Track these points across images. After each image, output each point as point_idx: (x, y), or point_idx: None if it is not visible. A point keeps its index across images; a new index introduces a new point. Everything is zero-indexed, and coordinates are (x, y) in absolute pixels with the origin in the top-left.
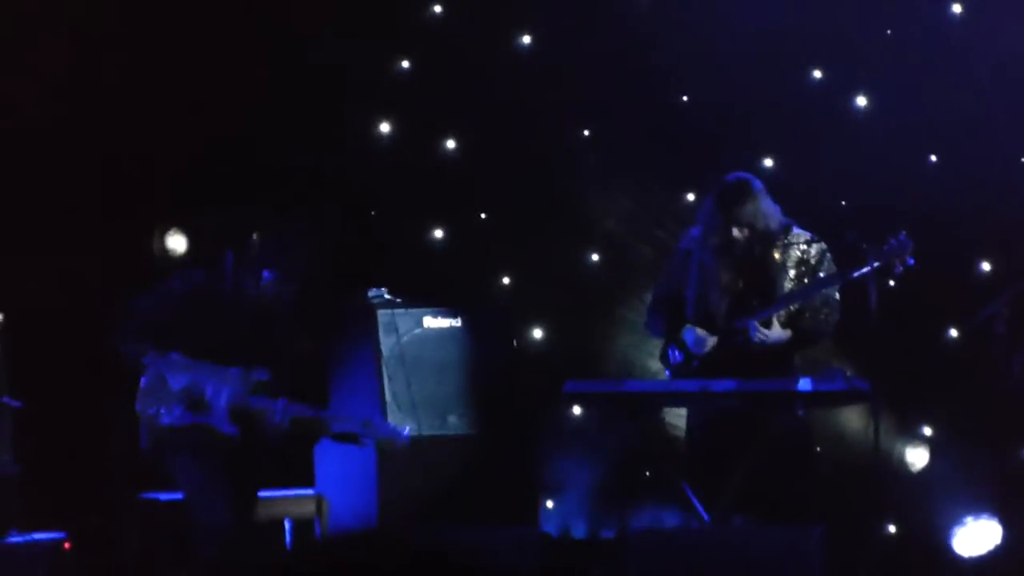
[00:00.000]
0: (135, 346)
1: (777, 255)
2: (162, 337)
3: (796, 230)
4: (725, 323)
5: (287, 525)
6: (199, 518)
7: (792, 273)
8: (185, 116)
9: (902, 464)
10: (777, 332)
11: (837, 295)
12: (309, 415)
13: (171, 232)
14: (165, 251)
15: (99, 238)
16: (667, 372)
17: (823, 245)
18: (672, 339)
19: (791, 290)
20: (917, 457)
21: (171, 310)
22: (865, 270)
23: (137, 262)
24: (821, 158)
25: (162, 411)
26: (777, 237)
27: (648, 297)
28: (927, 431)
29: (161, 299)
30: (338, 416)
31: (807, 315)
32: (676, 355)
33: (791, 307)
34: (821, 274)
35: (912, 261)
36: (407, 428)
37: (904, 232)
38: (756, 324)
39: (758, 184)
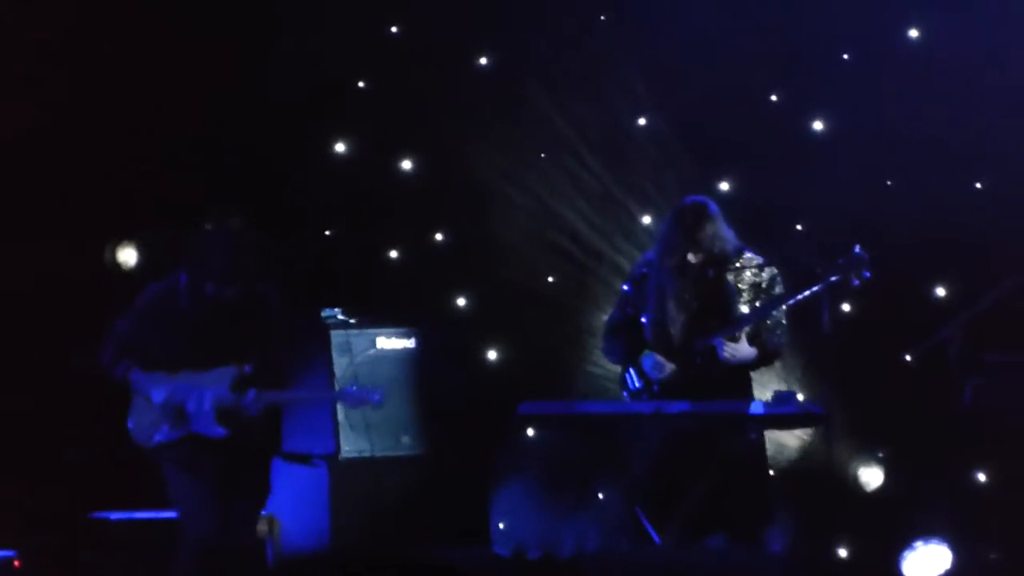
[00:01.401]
0: (120, 367)
1: (731, 278)
2: (142, 354)
3: (748, 254)
4: (682, 345)
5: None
6: (188, 534)
7: (745, 296)
8: (139, 131)
9: (856, 484)
10: (745, 349)
11: (784, 320)
12: (281, 399)
13: (122, 245)
14: (116, 264)
15: (48, 255)
16: (624, 395)
17: (774, 270)
18: (631, 364)
19: (752, 308)
20: (872, 477)
21: (140, 326)
22: (821, 286)
23: (91, 277)
24: (777, 182)
25: (151, 430)
26: (731, 260)
27: (604, 320)
28: (881, 453)
29: (131, 318)
30: (307, 395)
31: (764, 335)
32: (634, 381)
33: (747, 328)
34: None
35: (868, 274)
36: (377, 392)
37: (859, 245)
38: (724, 341)
39: (714, 208)
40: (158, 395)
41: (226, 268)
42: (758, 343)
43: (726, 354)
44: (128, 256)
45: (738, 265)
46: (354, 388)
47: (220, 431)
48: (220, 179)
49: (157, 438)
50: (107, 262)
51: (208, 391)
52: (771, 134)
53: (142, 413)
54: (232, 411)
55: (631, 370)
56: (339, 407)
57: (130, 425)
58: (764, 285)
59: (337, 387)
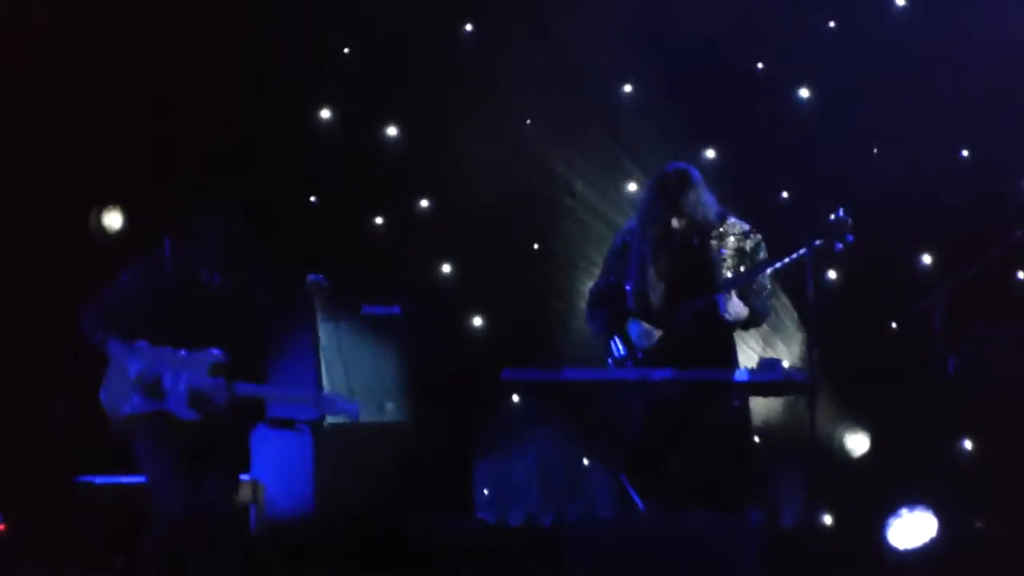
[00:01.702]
0: (98, 335)
1: (715, 244)
2: (124, 326)
3: (731, 219)
4: (666, 312)
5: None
6: (157, 508)
7: (729, 262)
8: (129, 100)
9: (841, 451)
10: (741, 307)
11: (768, 284)
12: (256, 393)
13: (107, 209)
14: (102, 228)
15: (37, 219)
16: (609, 362)
17: (758, 236)
18: (615, 332)
19: (747, 268)
20: (857, 443)
21: (125, 298)
22: (805, 250)
23: (79, 244)
24: (762, 150)
25: (121, 400)
26: (714, 227)
27: (587, 288)
28: (866, 421)
29: (115, 290)
30: (285, 393)
31: (750, 299)
32: (619, 348)
33: (734, 290)
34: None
35: (851, 238)
36: (355, 405)
37: (842, 208)
38: (725, 298)
39: (697, 174)
40: (134, 366)
41: (222, 256)
42: (747, 303)
43: (729, 310)
44: (113, 220)
45: (721, 231)
46: (332, 396)
47: (191, 414)
48: (206, 146)
49: (127, 409)
50: (92, 226)
51: (185, 372)
52: (757, 102)
53: (115, 383)
54: (204, 397)
55: (616, 338)
56: (324, 374)
57: (102, 395)
58: (748, 250)
59: (323, 355)
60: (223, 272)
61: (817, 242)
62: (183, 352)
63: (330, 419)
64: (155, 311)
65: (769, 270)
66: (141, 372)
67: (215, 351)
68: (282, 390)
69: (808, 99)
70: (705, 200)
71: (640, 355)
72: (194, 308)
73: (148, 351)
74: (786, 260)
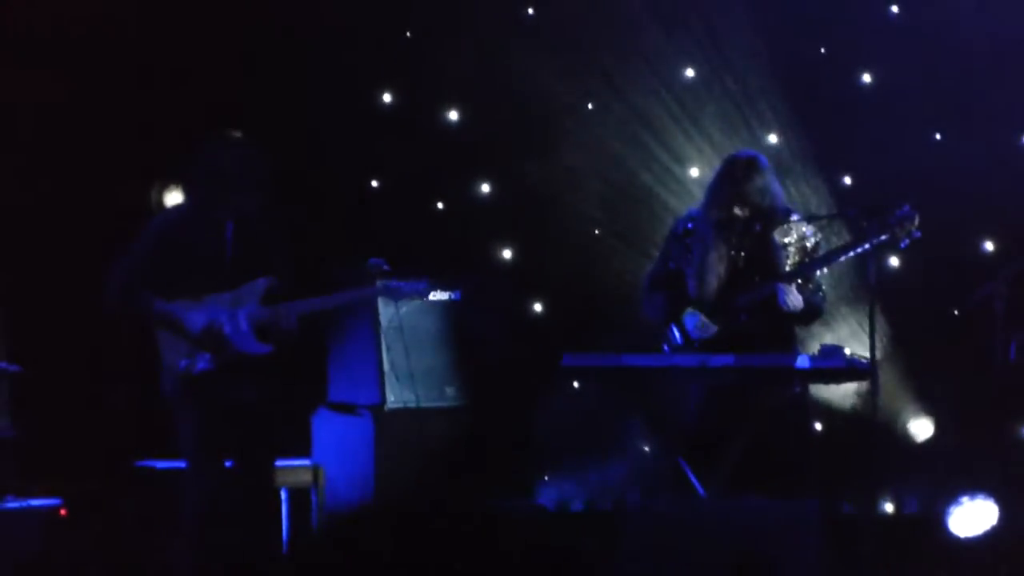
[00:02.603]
0: (137, 301)
1: (777, 236)
2: (157, 288)
3: (795, 216)
4: (725, 301)
5: (283, 495)
6: (195, 487)
7: (791, 258)
8: (181, 77)
9: (903, 438)
10: (799, 297)
11: (823, 284)
12: (318, 307)
13: (169, 188)
14: (162, 207)
15: (96, 200)
16: (665, 348)
17: (819, 234)
18: (672, 320)
19: (810, 260)
20: (921, 428)
21: (151, 261)
22: (869, 244)
23: (134, 223)
24: (825, 136)
25: (190, 360)
26: (779, 217)
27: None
28: (928, 408)
29: (138, 254)
30: (346, 298)
31: (805, 294)
32: (677, 336)
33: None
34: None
35: (918, 233)
36: (423, 283)
37: (908, 204)
38: (785, 286)
39: (765, 162)
40: (196, 322)
41: (241, 178)
42: (803, 296)
43: (788, 298)
44: (174, 199)
45: (785, 226)
46: (395, 283)
47: (264, 348)
48: (264, 129)
49: (201, 366)
50: (153, 204)
51: (240, 311)
52: (819, 87)
53: (175, 345)
54: (270, 325)
55: (673, 326)
56: (385, 358)
57: (167, 360)
58: (810, 247)
59: (383, 339)
60: (249, 195)
61: (882, 237)
62: (228, 294)
63: (404, 303)
64: (187, 262)
65: (831, 263)
66: (206, 327)
67: (260, 281)
68: (342, 295)
69: (870, 84)
70: (773, 189)
71: (696, 345)
72: (226, 244)
73: (198, 304)
74: (849, 253)
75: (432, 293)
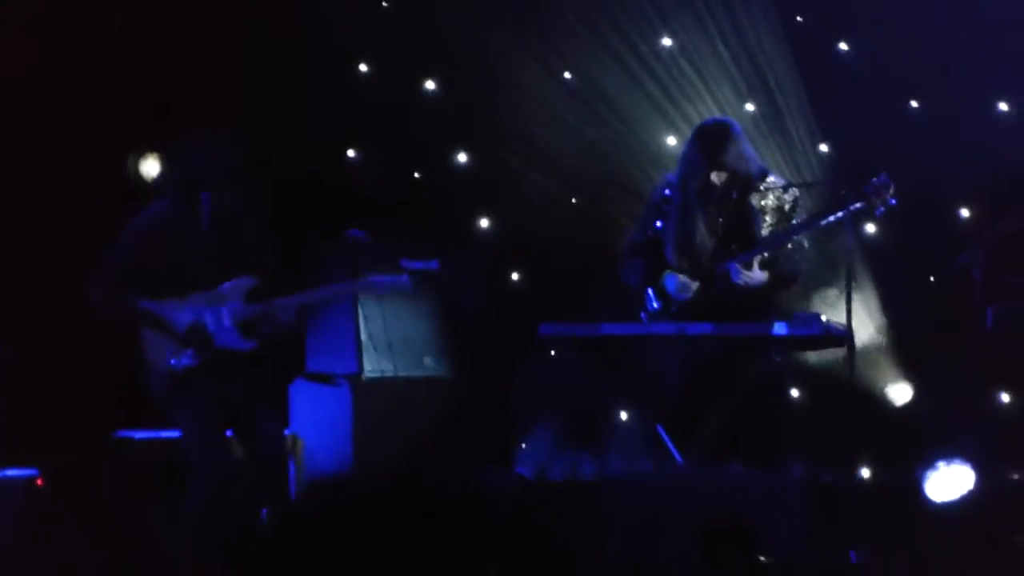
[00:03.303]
0: (123, 301)
1: (754, 200)
2: (143, 287)
3: (771, 177)
4: (704, 267)
5: None
6: (197, 464)
7: (768, 219)
8: (165, 52)
9: (880, 404)
10: (758, 274)
11: (806, 243)
12: (300, 302)
13: (145, 156)
14: (139, 176)
15: (77, 175)
16: (643, 316)
17: (796, 192)
18: (650, 285)
19: (772, 233)
20: (899, 393)
21: (136, 259)
22: (844, 212)
23: (116, 198)
24: (801, 104)
25: (175, 357)
26: (754, 182)
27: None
28: (905, 374)
29: (123, 252)
30: (326, 292)
31: (780, 260)
32: (653, 301)
33: (765, 253)
34: (795, 221)
35: (894, 202)
36: (404, 276)
37: (885, 173)
38: (738, 267)
39: (738, 128)
40: (181, 320)
41: (222, 173)
42: (772, 268)
43: (741, 280)
44: (151, 168)
45: (762, 188)
46: (373, 277)
47: (247, 344)
48: (242, 101)
49: (185, 362)
50: (129, 172)
51: (224, 308)
52: (795, 56)
53: (160, 343)
54: (253, 323)
55: (650, 290)
56: (362, 328)
57: (153, 358)
58: (787, 209)
59: (361, 309)
60: (230, 190)
61: (858, 205)
62: (211, 291)
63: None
64: (172, 260)
65: (807, 231)
66: (191, 325)
67: (243, 279)
68: (322, 290)
69: (847, 52)
70: (746, 153)
71: (674, 308)
72: (208, 241)
73: (183, 305)
74: (824, 221)
75: (408, 264)
